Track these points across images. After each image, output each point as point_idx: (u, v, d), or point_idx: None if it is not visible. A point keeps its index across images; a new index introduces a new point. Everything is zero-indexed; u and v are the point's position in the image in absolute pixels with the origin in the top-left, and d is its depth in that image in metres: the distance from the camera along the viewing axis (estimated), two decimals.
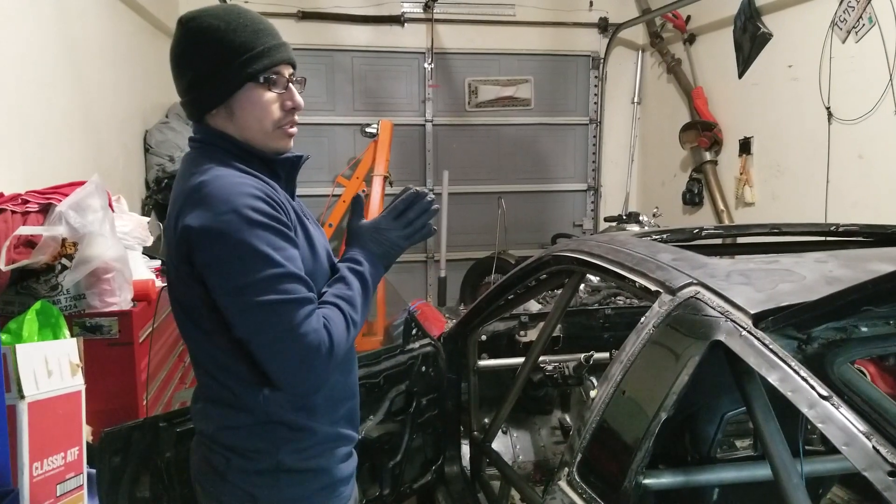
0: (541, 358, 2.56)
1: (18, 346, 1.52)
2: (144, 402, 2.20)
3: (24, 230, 1.95)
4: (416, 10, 5.88)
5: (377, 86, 5.98)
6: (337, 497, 1.37)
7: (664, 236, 1.96)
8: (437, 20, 5.90)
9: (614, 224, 5.20)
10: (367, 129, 5.20)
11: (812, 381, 1.01)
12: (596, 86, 6.40)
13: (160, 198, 4.21)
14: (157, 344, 2.39)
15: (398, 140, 5.48)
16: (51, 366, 1.59)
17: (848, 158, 3.96)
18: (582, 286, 3.65)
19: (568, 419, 2.94)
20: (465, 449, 2.54)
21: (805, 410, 0.99)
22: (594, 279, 3.69)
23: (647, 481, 1.32)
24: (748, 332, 1.14)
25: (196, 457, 1.39)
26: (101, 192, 2.15)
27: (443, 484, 2.48)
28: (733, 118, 5.07)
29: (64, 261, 2.01)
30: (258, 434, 1.28)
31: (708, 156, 5.29)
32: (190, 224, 1.16)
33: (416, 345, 2.31)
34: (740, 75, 4.92)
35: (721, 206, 5.17)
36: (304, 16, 5.63)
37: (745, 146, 4.88)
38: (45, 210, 2.05)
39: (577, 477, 1.39)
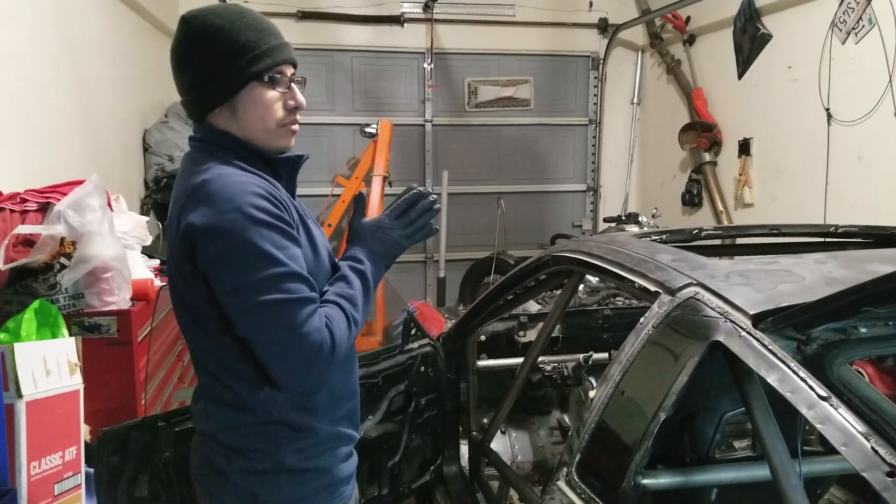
0: (540, 358, 2.56)
1: (17, 345, 1.51)
2: (143, 402, 2.20)
3: (23, 229, 1.95)
4: (415, 10, 5.88)
5: (377, 86, 5.98)
6: (338, 497, 1.37)
7: (663, 237, 1.96)
8: (437, 20, 5.91)
9: (613, 225, 5.20)
10: (367, 129, 5.21)
11: (811, 382, 1.01)
12: (595, 86, 6.41)
13: (159, 197, 4.21)
14: (155, 343, 2.39)
15: (397, 140, 5.48)
16: (49, 365, 1.59)
17: (847, 160, 3.96)
18: (581, 287, 3.65)
19: (567, 419, 2.94)
20: (464, 449, 2.54)
21: (804, 411, 0.99)
22: (593, 280, 3.69)
23: (645, 481, 1.32)
24: (747, 332, 1.14)
25: (197, 456, 1.38)
26: (100, 192, 2.14)
27: (441, 484, 2.48)
28: (733, 119, 5.07)
29: (63, 260, 2.01)
30: (260, 434, 1.28)
31: (707, 157, 5.29)
32: (193, 222, 1.16)
33: (415, 345, 2.31)
34: (740, 76, 4.92)
35: (720, 207, 5.17)
36: (304, 15, 5.63)
37: (744, 147, 4.89)
38: (44, 209, 2.05)
39: (575, 477, 1.39)
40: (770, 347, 1.09)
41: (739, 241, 2.51)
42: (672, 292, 1.35)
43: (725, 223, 5.03)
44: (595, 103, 6.43)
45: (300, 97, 1.32)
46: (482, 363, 2.58)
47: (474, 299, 2.61)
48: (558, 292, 2.47)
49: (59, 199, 2.05)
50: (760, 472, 1.47)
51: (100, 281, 2.10)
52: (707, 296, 1.27)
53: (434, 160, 6.17)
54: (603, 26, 6.26)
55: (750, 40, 4.73)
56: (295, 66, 1.33)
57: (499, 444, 2.80)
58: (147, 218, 2.78)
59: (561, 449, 2.72)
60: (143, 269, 2.52)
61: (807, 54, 4.18)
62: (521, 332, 2.83)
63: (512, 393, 2.20)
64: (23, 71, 2.54)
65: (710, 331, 1.20)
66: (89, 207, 2.06)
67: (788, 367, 1.04)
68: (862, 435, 0.91)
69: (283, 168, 1.35)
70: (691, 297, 1.30)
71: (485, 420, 2.53)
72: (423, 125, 6.12)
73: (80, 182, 2.15)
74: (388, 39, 5.90)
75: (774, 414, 1.15)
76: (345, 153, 5.90)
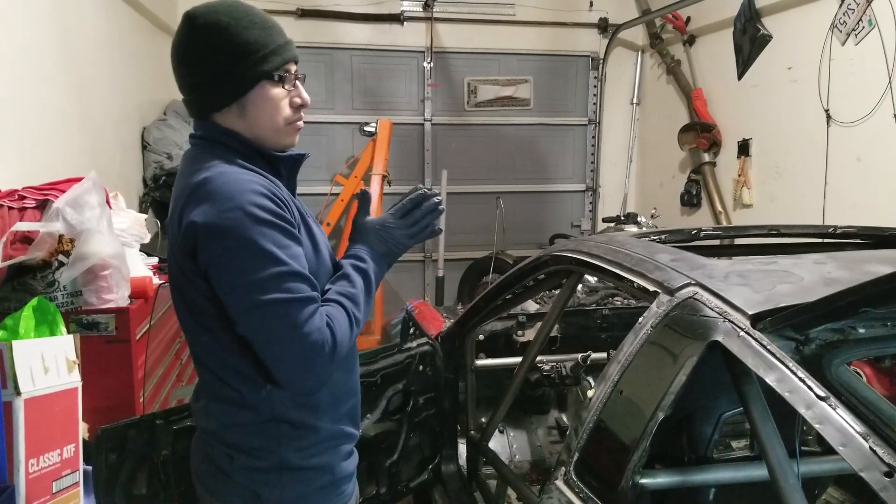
0: (538, 358, 2.56)
1: (15, 343, 1.51)
2: (141, 400, 2.20)
3: (21, 226, 1.94)
4: (415, 8, 5.87)
5: (376, 84, 5.98)
6: (339, 494, 1.37)
7: (662, 237, 1.96)
8: (437, 19, 5.90)
9: (612, 225, 5.21)
10: (366, 128, 5.20)
11: (810, 382, 1.01)
12: (595, 86, 6.40)
13: (158, 195, 4.20)
14: (154, 341, 2.39)
15: (397, 139, 5.48)
16: (47, 362, 1.59)
17: (846, 161, 3.96)
18: (580, 286, 3.66)
19: (565, 419, 2.94)
20: (462, 448, 2.54)
21: (802, 411, 0.99)
22: (592, 279, 3.69)
23: (643, 481, 1.32)
24: (746, 332, 1.14)
25: (197, 455, 1.38)
26: (99, 189, 2.14)
27: (439, 483, 2.48)
28: (732, 120, 5.07)
29: (61, 257, 2.01)
30: (261, 432, 1.28)
31: (706, 157, 5.29)
32: (195, 220, 1.16)
33: (414, 344, 2.31)
34: (740, 77, 4.92)
35: (719, 208, 5.17)
36: (304, 13, 5.62)
37: (743, 148, 4.89)
38: (43, 206, 2.05)
39: (573, 476, 1.39)
40: (769, 347, 1.09)
41: (738, 241, 2.51)
42: (671, 292, 1.35)
43: (724, 224, 5.03)
44: (595, 103, 6.43)
45: (305, 95, 1.33)
46: (480, 362, 2.58)
47: (473, 299, 2.61)
48: (557, 292, 2.47)
49: (58, 197, 2.04)
50: (758, 472, 1.47)
51: (98, 278, 2.10)
52: (706, 296, 1.28)
53: (433, 159, 6.16)
54: (603, 26, 6.25)
55: (750, 41, 4.74)
56: (296, 64, 1.33)
57: (497, 443, 2.80)
58: (145, 216, 2.78)
59: (559, 448, 2.72)
60: (142, 267, 2.52)
61: (807, 55, 4.18)
62: (519, 332, 2.83)
63: (510, 392, 2.20)
64: (20, 68, 2.53)
65: (709, 331, 1.20)
66: (88, 205, 2.06)
67: (787, 367, 1.04)
68: (860, 435, 0.92)
69: (285, 166, 1.35)
70: (690, 297, 1.30)
71: (483, 419, 2.53)
72: (423, 124, 6.11)
73: (79, 179, 2.14)
74: (387, 38, 5.90)
75: (773, 414, 1.15)
76: (344, 152, 5.89)
